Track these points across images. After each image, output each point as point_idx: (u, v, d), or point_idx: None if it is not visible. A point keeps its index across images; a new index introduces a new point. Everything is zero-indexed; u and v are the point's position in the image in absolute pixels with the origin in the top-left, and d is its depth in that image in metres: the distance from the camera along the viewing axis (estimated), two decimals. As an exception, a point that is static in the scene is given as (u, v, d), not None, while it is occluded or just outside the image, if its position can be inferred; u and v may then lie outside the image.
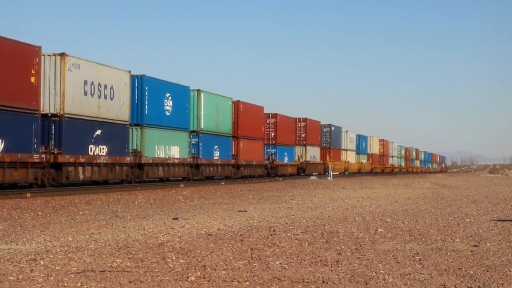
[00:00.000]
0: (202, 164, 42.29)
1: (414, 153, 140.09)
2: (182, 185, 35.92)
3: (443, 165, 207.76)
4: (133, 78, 34.73)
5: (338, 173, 75.18)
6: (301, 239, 13.07)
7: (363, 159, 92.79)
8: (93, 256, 10.54)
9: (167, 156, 37.64)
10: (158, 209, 20.72)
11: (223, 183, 41.36)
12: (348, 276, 9.19)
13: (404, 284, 8.70)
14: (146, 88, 35.57)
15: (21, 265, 9.62)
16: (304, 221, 16.76)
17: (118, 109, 32.66)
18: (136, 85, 35.07)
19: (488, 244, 12.60)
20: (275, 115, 58.82)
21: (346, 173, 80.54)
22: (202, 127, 42.42)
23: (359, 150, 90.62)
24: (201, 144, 42.30)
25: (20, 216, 17.88)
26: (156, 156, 36.31)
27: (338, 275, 9.26)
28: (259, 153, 53.71)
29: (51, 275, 8.92)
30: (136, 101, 35.02)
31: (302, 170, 65.68)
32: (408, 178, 71.93)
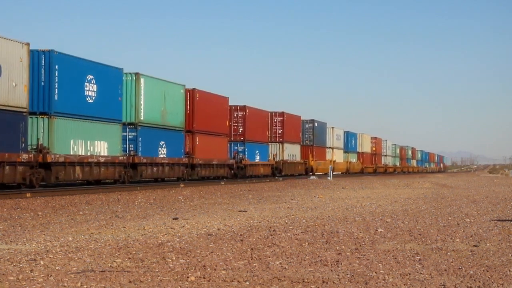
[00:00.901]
0: (141, 163, 34.96)
1: (410, 152, 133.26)
2: (182, 185, 35.91)
3: (441, 165, 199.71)
4: (35, 53, 27.86)
5: (322, 173, 68.34)
6: (301, 239, 13.07)
7: (353, 158, 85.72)
8: (93, 256, 10.54)
9: (89, 154, 30.45)
10: (158, 209, 20.73)
11: (223, 183, 41.15)
12: (348, 276, 9.19)
13: (404, 284, 8.71)
14: (56, 67, 28.32)
15: (21, 265, 9.62)
16: (304, 221, 16.77)
17: (9, 91, 25.44)
18: (42, 63, 28.07)
19: (488, 244, 12.60)
20: (243, 108, 51.04)
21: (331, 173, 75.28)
22: (141, 118, 35.23)
23: (348, 149, 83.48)
24: (140, 139, 35.02)
25: (20, 216, 17.89)
26: (71, 154, 29.13)
27: (338, 275, 9.26)
28: (222, 151, 46.21)
29: (51, 275, 8.92)
30: (43, 83, 28.06)
31: (278, 171, 57.85)
32: (408, 178, 71.92)
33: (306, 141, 67.29)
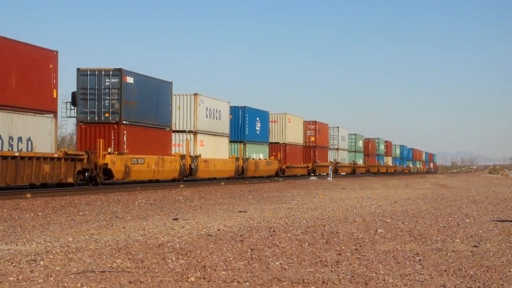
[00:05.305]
0: None
1: (382, 147, 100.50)
2: (182, 186, 35.91)
3: (431, 164, 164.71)
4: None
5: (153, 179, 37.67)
6: (301, 239, 13.08)
7: (258, 153, 53.63)
8: (93, 257, 10.54)
9: None
10: (158, 210, 20.74)
11: (223, 183, 41.05)
12: (348, 276, 9.19)
13: (404, 285, 8.71)
14: None
15: (21, 266, 9.63)
16: (304, 221, 16.77)
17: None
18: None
19: (488, 245, 12.60)
20: None
21: (185, 179, 40.70)
22: None
23: (243, 137, 50.70)
24: None
25: (20, 216, 17.90)
26: None
27: (338, 275, 9.26)
28: None
29: (51, 276, 8.93)
30: None
31: None
32: (408, 178, 71.94)
33: (110, 116, 33.58)
